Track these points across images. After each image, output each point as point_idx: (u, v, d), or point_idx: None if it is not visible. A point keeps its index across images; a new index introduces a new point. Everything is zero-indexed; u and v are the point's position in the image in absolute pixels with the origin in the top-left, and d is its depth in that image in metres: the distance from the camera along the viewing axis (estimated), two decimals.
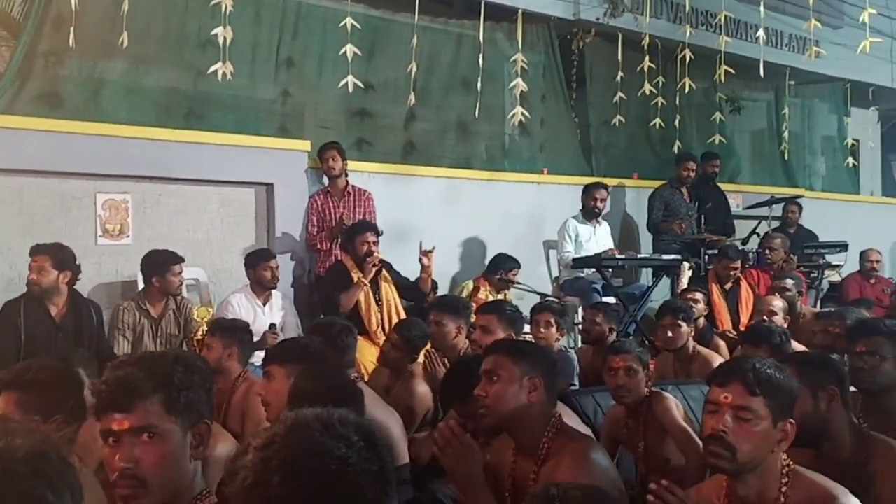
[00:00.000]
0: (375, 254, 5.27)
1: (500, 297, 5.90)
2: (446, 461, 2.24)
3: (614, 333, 4.82)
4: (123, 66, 5.83)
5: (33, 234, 4.61)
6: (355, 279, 5.23)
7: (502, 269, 6.16)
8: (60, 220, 5.25)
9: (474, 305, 5.28)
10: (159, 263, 4.85)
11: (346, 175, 6.06)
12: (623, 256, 6.39)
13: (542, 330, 4.48)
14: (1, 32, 5.74)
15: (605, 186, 6.95)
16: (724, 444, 2.04)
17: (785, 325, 4.74)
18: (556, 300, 5.79)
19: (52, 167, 5.23)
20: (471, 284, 6.27)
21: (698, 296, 5.39)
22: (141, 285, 5.03)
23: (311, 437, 1.22)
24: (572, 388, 4.28)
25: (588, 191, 6.84)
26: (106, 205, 5.45)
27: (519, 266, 6.20)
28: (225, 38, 5.01)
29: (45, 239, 4.55)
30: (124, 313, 4.80)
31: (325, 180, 6.16)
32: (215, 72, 5.10)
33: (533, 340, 4.35)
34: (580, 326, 5.82)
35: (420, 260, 5.57)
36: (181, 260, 4.90)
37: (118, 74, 5.83)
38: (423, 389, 3.96)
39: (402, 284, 5.58)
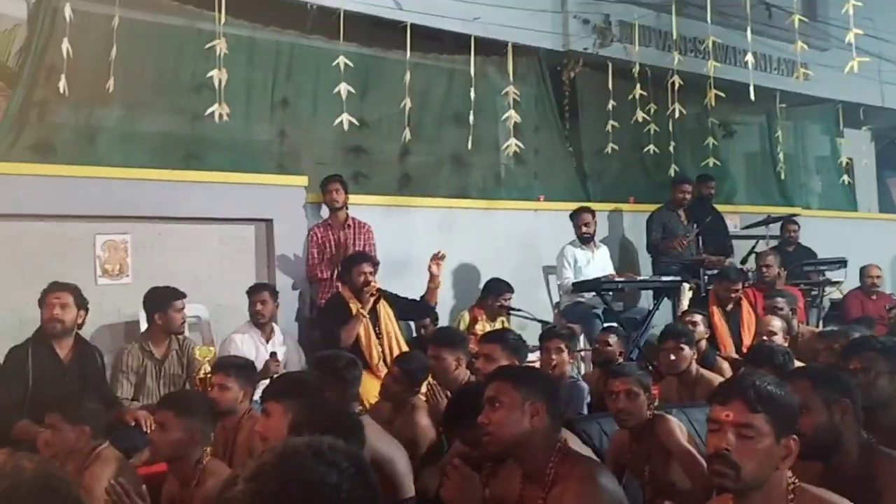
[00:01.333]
0: (372, 283, 5.26)
1: (499, 325, 5.90)
2: (447, 493, 2.23)
3: (622, 357, 4.81)
4: (118, 112, 5.91)
5: (31, 278, 4.60)
6: (354, 311, 5.22)
7: (492, 294, 6.15)
8: (58, 262, 5.25)
9: (474, 336, 5.30)
10: (161, 300, 4.82)
11: (347, 208, 6.09)
12: (622, 279, 6.39)
13: (553, 357, 4.46)
14: None
15: (591, 210, 6.96)
16: (728, 462, 2.02)
17: (786, 345, 4.73)
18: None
19: (49, 210, 5.28)
20: (467, 316, 6.26)
21: (697, 318, 5.31)
22: (143, 325, 5.03)
23: (302, 465, 1.20)
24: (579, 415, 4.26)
25: (573, 217, 6.90)
26: (105, 245, 5.48)
27: (511, 290, 6.19)
28: (220, 80, 5.07)
29: (43, 282, 4.49)
30: (128, 357, 4.75)
31: (324, 213, 6.18)
32: (210, 114, 5.16)
33: (541, 368, 4.34)
34: (582, 353, 5.82)
35: (429, 268, 5.51)
36: (183, 295, 4.86)
37: (113, 120, 5.91)
38: (425, 422, 3.92)
39: (405, 305, 5.55)
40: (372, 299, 5.24)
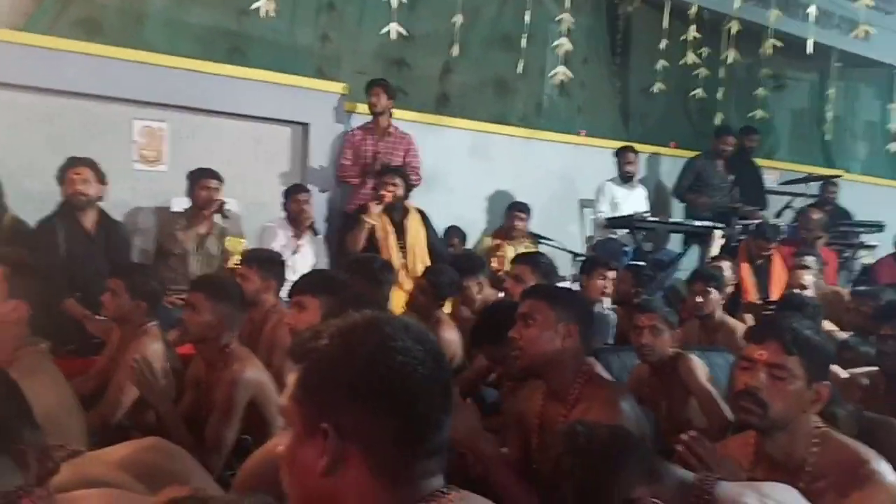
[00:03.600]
0: (382, 193, 5.20)
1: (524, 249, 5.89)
2: None
3: (640, 295, 4.80)
4: None
5: (66, 155, 4.59)
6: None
7: (507, 214, 6.22)
8: (95, 142, 5.22)
9: (499, 259, 5.31)
10: (194, 176, 4.96)
11: (390, 115, 6.00)
12: (655, 219, 6.38)
13: (608, 285, 4.65)
14: None
15: (633, 150, 7.03)
16: (756, 400, 2.03)
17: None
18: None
19: (89, 90, 5.24)
20: (488, 240, 6.28)
21: (725, 264, 5.28)
22: (175, 208, 5.16)
23: (393, 333, 1.18)
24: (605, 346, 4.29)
25: (618, 155, 7.01)
26: (143, 131, 5.48)
27: (525, 210, 6.22)
28: None
29: None
30: (180, 220, 4.95)
31: (360, 122, 6.10)
32: (257, 11, 5.04)
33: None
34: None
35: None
36: (213, 175, 4.96)
37: (161, 6, 5.81)
38: (449, 336, 3.94)
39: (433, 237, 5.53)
40: (378, 208, 5.18)
